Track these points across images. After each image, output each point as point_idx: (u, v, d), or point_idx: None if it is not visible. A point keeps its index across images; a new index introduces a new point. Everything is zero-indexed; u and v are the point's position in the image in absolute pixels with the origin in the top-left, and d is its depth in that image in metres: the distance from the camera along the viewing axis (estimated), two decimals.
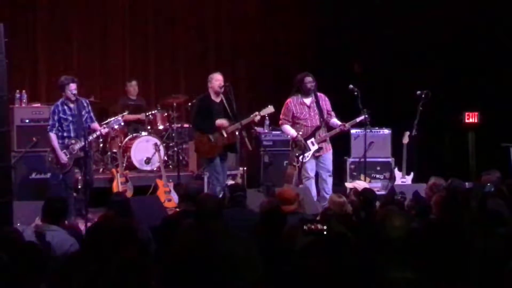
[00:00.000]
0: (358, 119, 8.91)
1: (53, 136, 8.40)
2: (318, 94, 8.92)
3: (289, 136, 9.03)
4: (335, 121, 8.94)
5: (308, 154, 8.79)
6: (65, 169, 8.42)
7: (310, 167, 8.85)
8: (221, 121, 8.72)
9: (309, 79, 8.82)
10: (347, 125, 8.91)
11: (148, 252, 4.82)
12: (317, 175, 8.95)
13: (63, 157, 8.36)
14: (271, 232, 5.12)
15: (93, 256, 4.25)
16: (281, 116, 8.96)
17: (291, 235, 4.68)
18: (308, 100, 8.88)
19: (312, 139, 8.82)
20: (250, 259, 4.48)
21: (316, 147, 8.82)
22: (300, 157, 8.76)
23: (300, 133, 8.74)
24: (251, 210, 6.57)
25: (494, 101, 10.56)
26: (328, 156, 8.92)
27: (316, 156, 8.87)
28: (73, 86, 8.37)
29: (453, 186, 6.99)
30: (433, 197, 6.71)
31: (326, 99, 8.99)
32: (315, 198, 8.83)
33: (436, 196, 6.50)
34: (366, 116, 8.86)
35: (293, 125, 8.85)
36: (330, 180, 8.89)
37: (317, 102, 8.86)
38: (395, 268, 3.78)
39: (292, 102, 8.87)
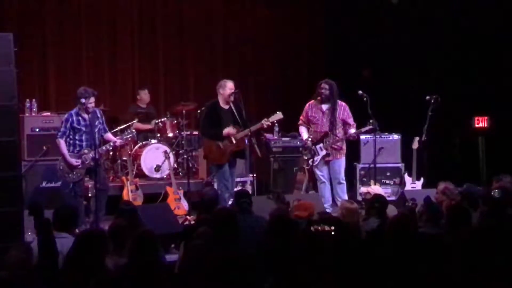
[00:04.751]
0: (363, 130, 9.08)
1: (62, 142, 8.42)
2: (340, 103, 9.00)
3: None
4: (350, 131, 9.02)
5: (317, 159, 8.91)
6: (77, 174, 8.39)
7: (320, 172, 8.99)
8: (228, 130, 8.72)
9: (324, 86, 8.95)
10: (355, 133, 9.04)
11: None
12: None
13: (73, 161, 8.36)
14: (279, 238, 5.13)
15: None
16: (300, 117, 9.16)
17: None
18: (325, 107, 8.98)
19: (321, 145, 8.92)
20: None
21: (324, 152, 8.92)
22: (310, 161, 8.96)
23: (311, 137, 8.84)
24: (258, 216, 6.58)
25: (504, 105, 10.52)
26: (337, 163, 8.98)
27: (326, 161, 8.96)
28: (92, 100, 8.37)
29: (468, 191, 6.95)
30: (445, 201, 6.71)
31: (346, 109, 9.03)
32: (329, 203, 8.86)
33: (447, 202, 6.50)
34: (372, 127, 9.00)
35: (309, 128, 9.02)
36: (340, 187, 8.96)
37: (333, 110, 8.92)
38: None
39: (311, 104, 9.07)
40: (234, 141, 8.75)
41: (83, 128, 8.43)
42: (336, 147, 8.93)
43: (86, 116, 8.41)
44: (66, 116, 8.52)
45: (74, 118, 8.43)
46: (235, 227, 5.53)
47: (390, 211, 6.84)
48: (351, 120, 9.02)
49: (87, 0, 11.70)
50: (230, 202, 8.38)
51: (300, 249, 4.46)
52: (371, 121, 8.97)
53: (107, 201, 8.70)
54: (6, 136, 6.67)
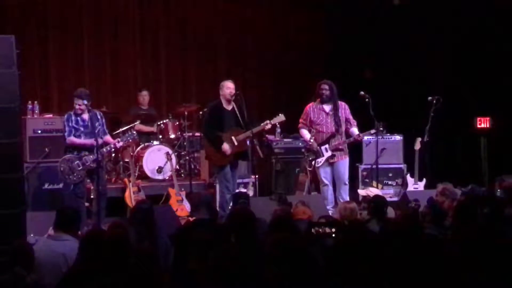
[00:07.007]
0: (372, 131, 9.05)
1: (72, 137, 8.42)
2: (339, 102, 9.01)
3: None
4: (353, 130, 9.01)
5: (321, 160, 8.88)
6: (78, 176, 8.39)
7: (324, 174, 8.95)
8: (225, 147, 8.71)
9: (324, 86, 8.95)
10: (362, 135, 9.02)
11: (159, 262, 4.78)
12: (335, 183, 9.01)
13: (89, 141, 8.35)
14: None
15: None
16: (300, 120, 9.12)
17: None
18: (327, 107, 8.98)
19: (326, 146, 8.90)
20: None
21: (329, 153, 8.89)
22: (313, 162, 8.90)
23: (313, 138, 8.84)
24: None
25: (506, 106, 10.52)
26: (342, 164, 8.96)
27: (330, 163, 8.93)
28: (79, 102, 8.37)
29: (472, 192, 6.93)
30: (446, 202, 6.70)
31: (347, 107, 9.07)
32: (331, 205, 8.84)
33: (448, 202, 6.49)
34: (381, 128, 9.00)
35: (310, 130, 8.98)
36: (344, 189, 8.95)
37: (336, 110, 8.92)
38: None
39: (311, 106, 9.04)
40: (236, 143, 8.75)
41: (81, 129, 8.45)
42: (341, 147, 8.94)
43: (85, 117, 8.42)
44: (66, 116, 8.55)
45: (73, 117, 8.45)
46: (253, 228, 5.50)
47: (389, 212, 6.84)
48: (351, 118, 9.04)
49: (89, 2, 11.72)
50: (231, 204, 8.37)
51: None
52: (380, 122, 8.96)
53: (108, 203, 8.71)
54: (8, 138, 6.66)
